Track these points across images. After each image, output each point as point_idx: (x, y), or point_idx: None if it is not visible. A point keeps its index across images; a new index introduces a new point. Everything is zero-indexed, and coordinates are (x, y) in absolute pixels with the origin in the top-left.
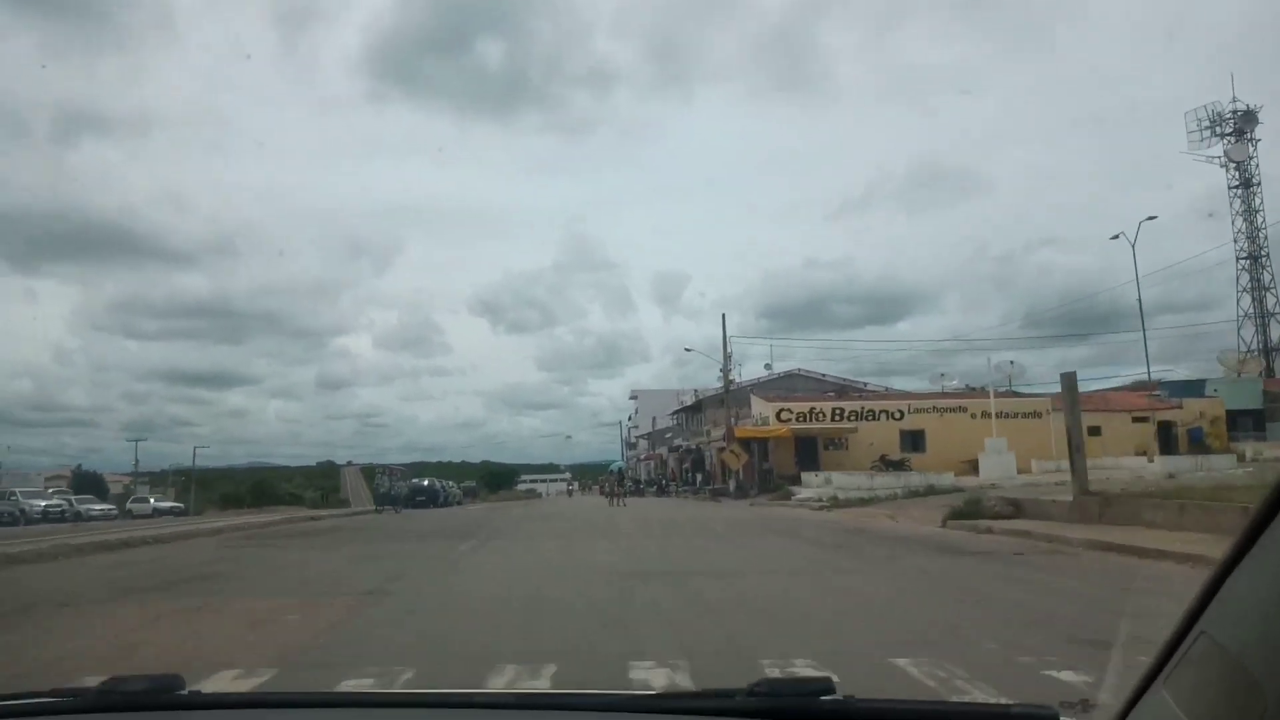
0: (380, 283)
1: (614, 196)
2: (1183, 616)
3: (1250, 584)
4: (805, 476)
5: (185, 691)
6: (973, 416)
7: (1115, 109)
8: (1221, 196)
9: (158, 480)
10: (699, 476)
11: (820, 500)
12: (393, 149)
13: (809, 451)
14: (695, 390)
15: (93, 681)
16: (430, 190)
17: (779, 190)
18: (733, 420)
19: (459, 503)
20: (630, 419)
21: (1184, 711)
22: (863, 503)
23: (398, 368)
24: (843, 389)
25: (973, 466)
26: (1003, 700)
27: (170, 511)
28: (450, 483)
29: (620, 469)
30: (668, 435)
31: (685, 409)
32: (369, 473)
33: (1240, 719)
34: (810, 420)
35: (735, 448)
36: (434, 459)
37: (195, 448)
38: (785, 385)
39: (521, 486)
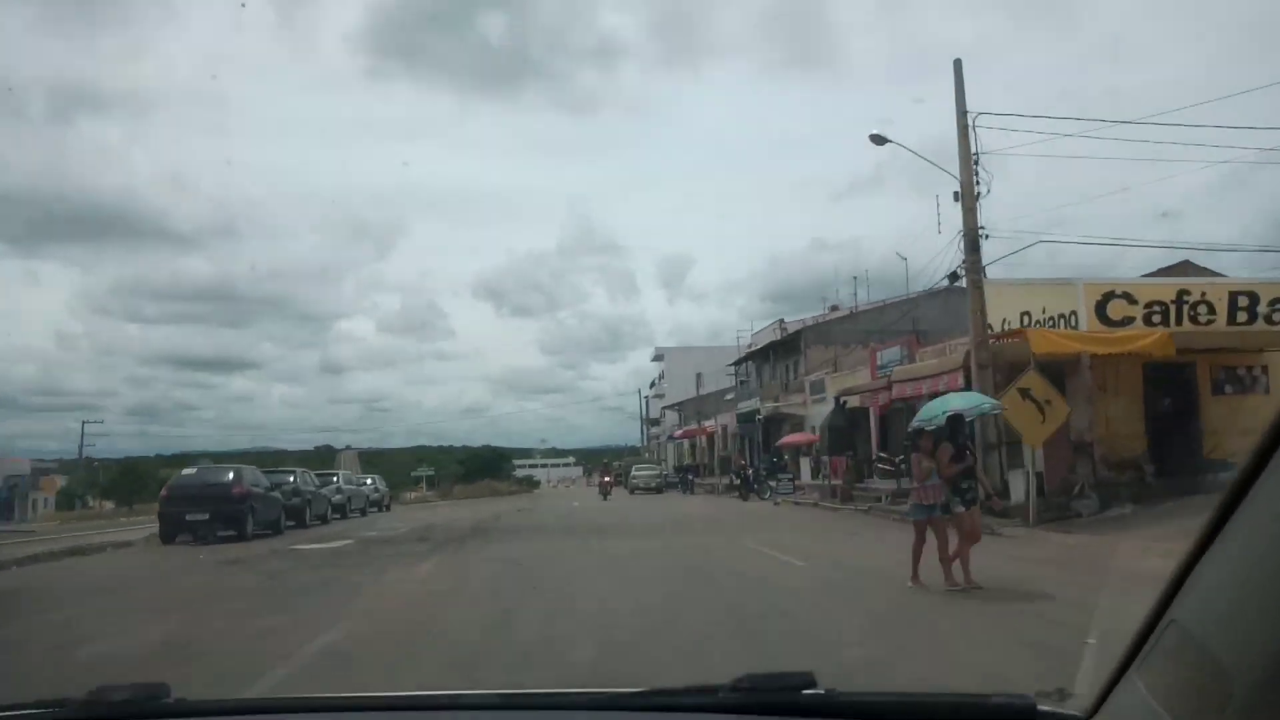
0: (383, 266)
1: (619, 177)
2: (1153, 605)
3: (1217, 572)
4: None
5: (171, 699)
6: None
7: (1133, 87)
8: None
9: (67, 469)
10: (819, 464)
11: None
12: (394, 128)
13: (1179, 394)
14: (781, 321)
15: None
16: (433, 170)
17: (786, 170)
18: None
19: (361, 510)
20: (653, 385)
21: (1156, 699)
22: None
23: (401, 352)
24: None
25: None
26: (983, 690)
27: None
28: (340, 476)
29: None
30: (728, 397)
31: (762, 351)
32: (368, 458)
33: (1208, 705)
34: (1180, 318)
35: (1038, 384)
36: (436, 443)
37: (84, 422)
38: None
39: (520, 473)
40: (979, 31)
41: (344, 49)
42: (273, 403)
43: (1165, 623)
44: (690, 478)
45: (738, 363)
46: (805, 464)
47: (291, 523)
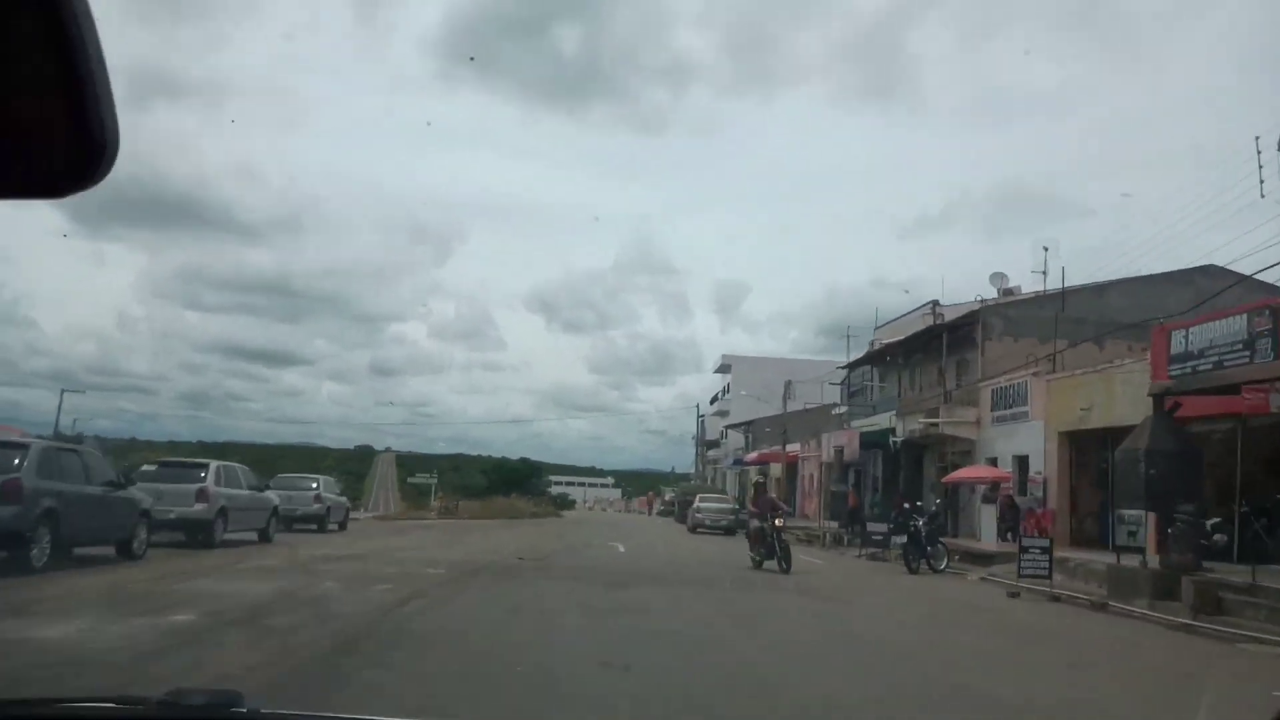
0: (440, 272)
1: (681, 198)
2: None
3: None
4: None
5: (244, 709)
6: None
7: (1217, 142)
8: None
9: None
10: (1011, 516)
11: None
12: (461, 134)
13: None
14: (935, 304)
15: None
16: (495, 179)
17: (852, 202)
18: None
19: (262, 532)
20: (715, 401)
21: None
22: None
23: (450, 359)
24: None
25: None
26: None
27: None
28: (211, 470)
29: None
30: (839, 410)
31: (901, 347)
32: (406, 461)
33: None
34: None
35: None
36: (476, 451)
37: (62, 390)
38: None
39: (555, 490)
40: (1064, 75)
41: (417, 52)
42: (321, 399)
43: None
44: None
45: (855, 365)
46: (986, 514)
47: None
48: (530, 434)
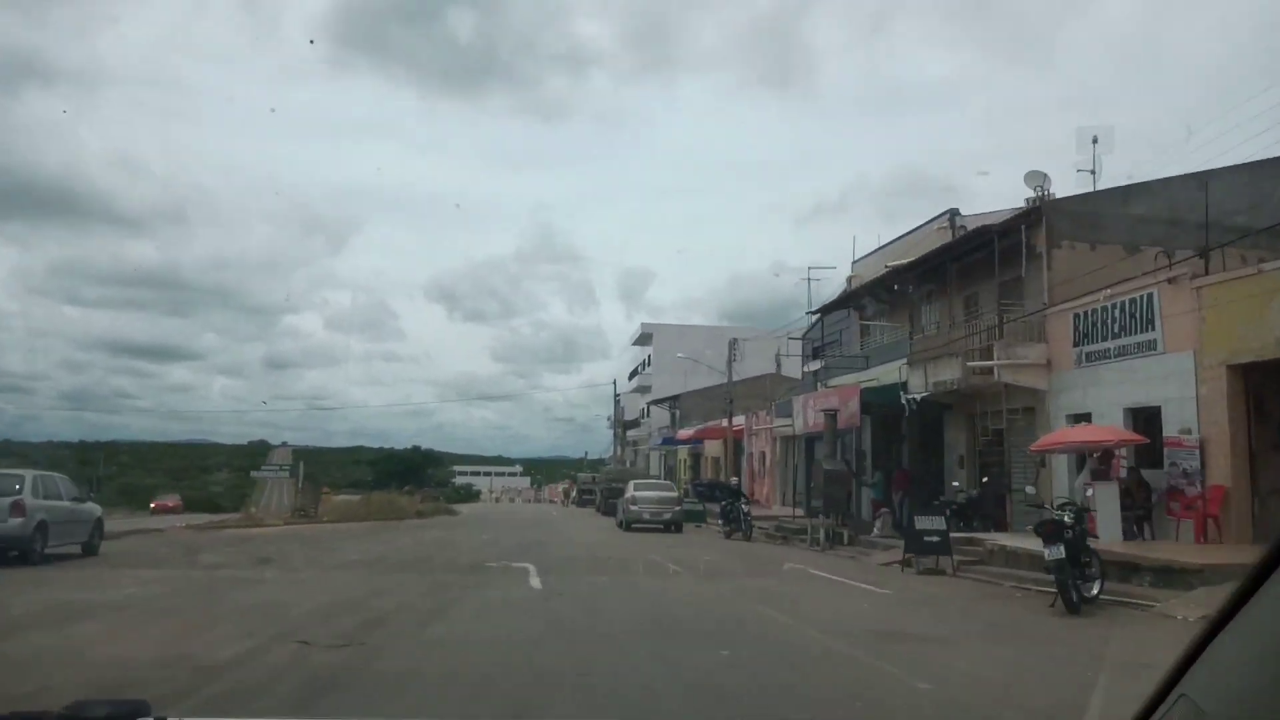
0: (335, 263)
1: (582, 186)
2: (1164, 676)
3: (1235, 649)
4: None
5: (151, 718)
6: None
7: (1097, 131)
8: None
9: None
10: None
11: None
12: (353, 122)
13: None
14: (953, 215)
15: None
16: (391, 168)
17: (753, 190)
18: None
19: None
20: (634, 376)
21: None
22: None
23: (347, 350)
24: None
25: None
26: None
27: None
28: None
29: None
30: (814, 366)
31: (908, 272)
32: (305, 455)
33: None
34: None
35: None
36: (376, 444)
37: None
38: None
39: (460, 480)
40: (956, 65)
41: (305, 37)
42: (213, 394)
43: (1175, 696)
44: (744, 509)
45: (829, 308)
46: (1101, 499)
47: None
48: (434, 424)
